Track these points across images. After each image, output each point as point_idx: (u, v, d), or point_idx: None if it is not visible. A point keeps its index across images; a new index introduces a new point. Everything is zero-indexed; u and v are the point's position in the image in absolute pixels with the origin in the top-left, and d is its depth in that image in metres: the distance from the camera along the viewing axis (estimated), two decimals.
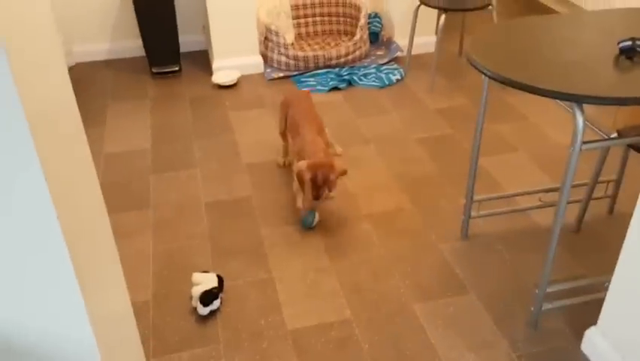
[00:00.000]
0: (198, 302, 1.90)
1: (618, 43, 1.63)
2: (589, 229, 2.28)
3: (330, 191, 2.24)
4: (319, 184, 2.19)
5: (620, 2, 3.44)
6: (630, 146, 1.82)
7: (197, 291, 1.92)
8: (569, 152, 1.55)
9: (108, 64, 3.78)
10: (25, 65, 0.93)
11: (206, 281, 1.95)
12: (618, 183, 2.30)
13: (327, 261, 2.16)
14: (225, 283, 2.03)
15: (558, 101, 1.56)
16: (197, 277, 1.98)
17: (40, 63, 1.07)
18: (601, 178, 2.19)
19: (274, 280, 2.08)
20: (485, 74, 1.63)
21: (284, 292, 2.03)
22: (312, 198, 2.21)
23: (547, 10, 4.43)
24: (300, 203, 2.34)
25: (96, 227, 1.37)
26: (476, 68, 1.67)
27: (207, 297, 1.90)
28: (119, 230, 2.33)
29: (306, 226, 2.33)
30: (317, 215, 2.34)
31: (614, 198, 2.34)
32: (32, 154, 0.90)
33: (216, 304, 1.92)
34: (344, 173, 2.26)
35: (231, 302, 1.98)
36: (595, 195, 2.25)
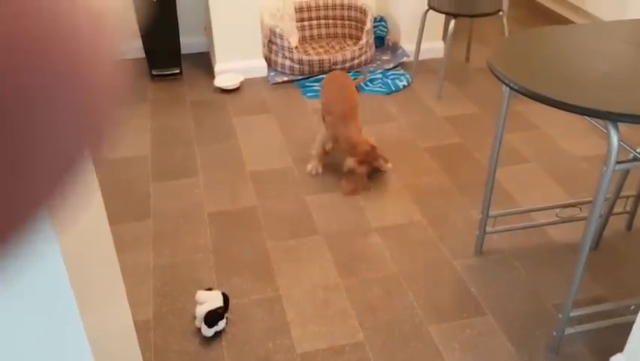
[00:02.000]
0: (203, 323, 1.80)
1: None
2: (608, 246, 2.20)
3: (380, 170, 2.59)
4: (369, 173, 2.50)
5: (633, 10, 3.36)
6: None
7: (201, 311, 1.82)
8: (602, 172, 1.46)
9: None
10: None
11: (210, 300, 1.85)
12: (638, 198, 2.22)
13: (336, 277, 2.07)
14: (231, 302, 1.93)
15: (587, 117, 1.48)
16: (201, 295, 1.88)
17: None
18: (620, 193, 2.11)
19: (282, 298, 1.98)
20: (512, 88, 1.54)
21: (292, 311, 1.93)
22: (364, 188, 2.49)
23: (558, 18, 4.35)
24: (308, 168, 2.62)
25: (96, 239, 1.27)
26: (501, 81, 1.58)
27: (212, 317, 1.80)
28: (116, 242, 2.21)
29: None
30: None
31: (632, 214, 2.26)
32: None
33: (221, 325, 1.83)
34: (379, 156, 2.51)
35: (237, 323, 1.88)
36: (614, 210, 2.17)
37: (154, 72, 3.47)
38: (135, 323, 1.86)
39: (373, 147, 2.45)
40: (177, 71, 3.50)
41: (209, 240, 2.25)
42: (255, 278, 2.06)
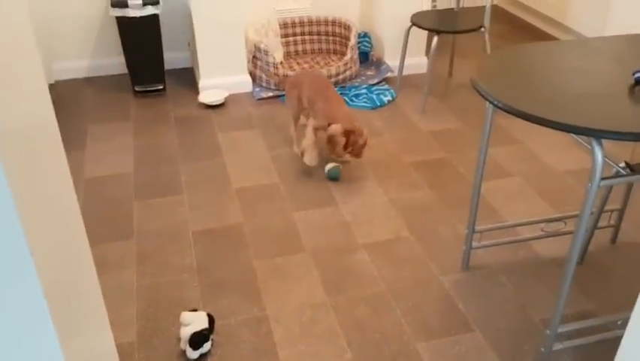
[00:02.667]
0: (187, 345, 1.77)
1: (634, 73, 1.57)
2: (593, 260, 2.21)
3: (356, 156, 2.64)
4: (349, 148, 2.58)
5: (612, 25, 3.42)
6: None
7: (186, 332, 1.79)
8: (587, 188, 1.47)
9: (89, 82, 3.63)
10: None
11: (195, 321, 1.82)
12: (622, 212, 2.24)
13: (324, 295, 2.05)
14: (216, 323, 1.89)
15: (573, 134, 1.49)
16: (186, 316, 1.84)
17: (17, 80, 0.95)
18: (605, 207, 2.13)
19: (268, 318, 1.95)
20: (496, 106, 1.54)
21: (279, 331, 1.90)
22: (340, 156, 2.60)
23: (540, 33, 4.42)
24: (308, 159, 2.65)
25: (77, 261, 1.24)
26: (485, 99, 1.59)
27: (197, 339, 1.77)
28: (99, 263, 2.18)
29: (331, 178, 2.65)
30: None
31: (617, 227, 2.28)
32: (2, 182, 0.77)
33: (207, 347, 1.79)
34: (366, 144, 2.62)
35: (223, 344, 1.85)
36: (598, 224, 2.18)
37: (137, 88, 3.44)
38: (118, 345, 1.82)
39: (361, 128, 2.61)
40: (161, 87, 3.47)
41: (194, 259, 2.22)
42: (241, 298, 2.03)
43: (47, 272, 0.92)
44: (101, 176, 2.72)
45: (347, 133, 2.55)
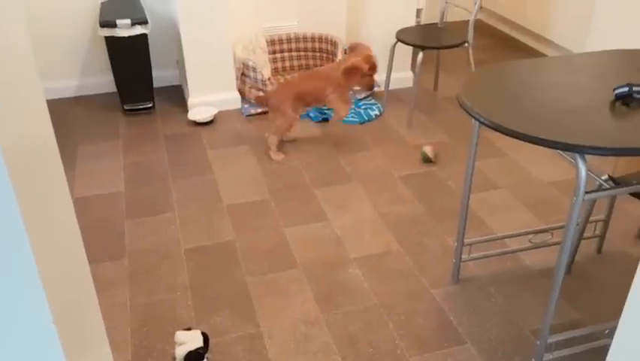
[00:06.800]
0: None
1: (614, 89, 1.62)
2: (580, 270, 2.25)
3: (369, 88, 3.12)
4: (371, 71, 2.97)
5: (594, 39, 3.51)
6: (632, 194, 1.80)
7: (181, 352, 1.80)
8: (572, 202, 1.51)
9: (78, 101, 3.63)
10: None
11: (190, 340, 1.83)
12: (607, 222, 2.29)
13: (317, 311, 2.07)
14: (211, 341, 1.90)
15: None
16: (180, 336, 1.85)
17: (19, 100, 0.97)
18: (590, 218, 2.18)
19: (263, 335, 1.96)
20: (483, 123, 1.59)
21: (274, 348, 1.91)
22: (369, 87, 3.08)
23: (523, 47, 4.51)
24: (342, 112, 3.03)
25: (80, 281, 1.25)
26: (471, 116, 1.63)
27: (192, 358, 1.77)
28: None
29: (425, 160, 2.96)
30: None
31: (602, 237, 2.33)
32: (12, 201, 0.79)
33: None
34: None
35: None
36: (584, 234, 2.23)
37: (126, 107, 3.46)
38: None
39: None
40: (150, 105, 3.49)
41: (186, 277, 2.23)
42: (235, 315, 2.05)
43: (55, 294, 0.93)
44: (91, 195, 2.72)
45: (366, 59, 2.95)
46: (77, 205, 2.64)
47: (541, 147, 1.46)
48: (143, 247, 2.38)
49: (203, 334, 1.87)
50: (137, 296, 2.13)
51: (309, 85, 3.01)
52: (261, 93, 3.39)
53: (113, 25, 3.16)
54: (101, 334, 1.45)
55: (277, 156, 3.00)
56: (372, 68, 2.99)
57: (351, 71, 2.94)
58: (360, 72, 2.95)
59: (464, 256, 2.23)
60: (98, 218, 2.56)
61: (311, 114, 3.39)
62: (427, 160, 2.97)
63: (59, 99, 3.61)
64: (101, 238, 2.44)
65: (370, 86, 3.08)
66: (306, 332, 1.97)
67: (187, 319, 2.03)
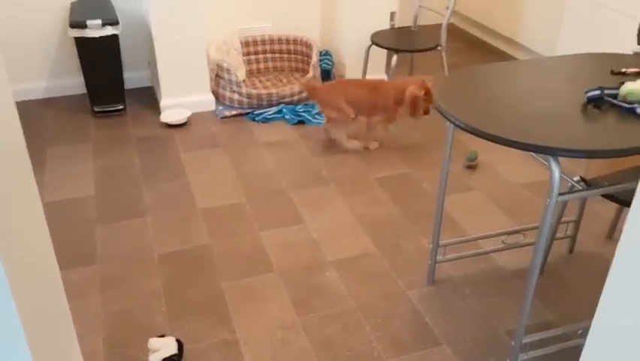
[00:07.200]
0: None
1: (586, 92, 1.65)
2: (552, 271, 2.29)
3: (427, 112, 3.05)
4: (427, 98, 2.95)
5: (563, 42, 3.58)
6: (604, 195, 1.83)
7: (155, 359, 1.76)
8: (546, 203, 1.53)
9: (47, 103, 3.55)
10: None
11: (164, 347, 1.79)
12: (578, 223, 2.33)
13: (294, 315, 2.05)
14: (185, 348, 1.87)
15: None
16: (154, 342, 1.82)
17: None
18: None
19: (239, 341, 1.94)
20: (458, 126, 1.60)
21: (250, 354, 1.89)
22: (423, 114, 3.01)
23: (493, 50, 4.57)
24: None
25: (48, 287, 1.22)
26: (448, 120, 1.64)
27: None
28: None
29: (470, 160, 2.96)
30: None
31: (574, 238, 2.37)
32: None
33: None
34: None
35: None
36: (556, 235, 2.27)
37: (96, 109, 3.39)
38: None
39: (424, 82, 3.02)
40: (121, 107, 3.42)
41: (160, 283, 2.19)
42: (210, 321, 2.02)
43: (24, 301, 0.90)
44: (61, 200, 2.66)
45: (421, 86, 2.95)
46: (47, 210, 2.57)
47: (512, 150, 1.48)
48: (115, 253, 2.33)
49: (178, 341, 1.84)
50: (109, 303, 2.09)
51: (363, 94, 2.99)
52: (310, 81, 3.40)
53: (83, 26, 3.09)
54: (73, 342, 1.41)
55: (351, 144, 3.07)
56: (428, 93, 2.97)
57: (412, 103, 2.94)
58: (419, 101, 2.94)
59: (439, 257, 2.24)
60: (69, 223, 2.50)
61: (286, 116, 3.37)
62: (471, 160, 2.96)
63: (28, 101, 3.52)
64: (72, 244, 2.38)
65: (427, 111, 3.03)
66: (283, 337, 1.96)
67: (161, 325, 1.99)
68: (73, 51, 3.29)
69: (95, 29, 3.11)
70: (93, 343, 1.92)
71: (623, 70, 1.83)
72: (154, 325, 1.99)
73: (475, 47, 4.61)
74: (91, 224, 2.50)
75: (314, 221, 2.54)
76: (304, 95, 3.52)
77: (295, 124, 3.36)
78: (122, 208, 2.61)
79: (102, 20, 3.11)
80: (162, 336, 1.86)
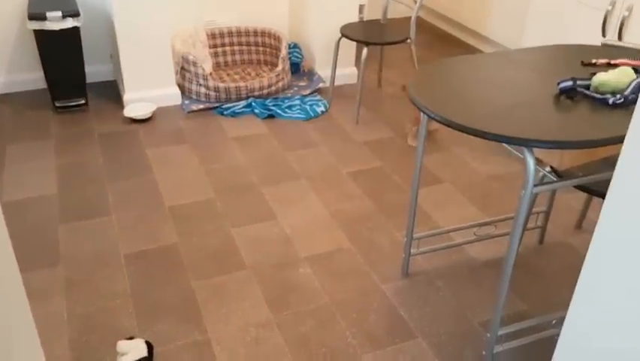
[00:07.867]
0: None
1: (558, 83, 1.65)
2: (523, 261, 2.31)
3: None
4: None
5: (528, 35, 3.62)
6: (576, 186, 1.85)
7: None
8: (521, 195, 1.53)
9: (5, 98, 3.39)
10: None
11: (133, 350, 1.73)
12: (547, 214, 2.36)
13: (268, 313, 2.01)
14: (155, 350, 1.81)
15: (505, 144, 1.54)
16: (122, 345, 1.75)
17: None
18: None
19: (210, 341, 1.89)
20: (433, 118, 1.58)
21: (223, 354, 1.84)
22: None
23: (460, 43, 4.60)
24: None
25: (7, 290, 1.14)
26: (422, 112, 1.62)
27: None
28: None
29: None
30: None
31: (544, 228, 2.39)
32: None
33: None
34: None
35: None
36: (526, 226, 2.29)
37: (57, 104, 3.26)
38: None
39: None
40: (82, 101, 3.30)
41: (127, 284, 2.11)
42: (181, 322, 1.96)
43: None
44: (21, 199, 2.54)
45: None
46: (6, 210, 2.46)
47: (480, 142, 1.47)
48: (79, 253, 2.24)
49: (147, 343, 1.78)
50: (74, 305, 2.00)
51: None
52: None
53: (43, 18, 2.96)
54: (36, 347, 1.34)
55: (412, 142, 3.15)
56: None
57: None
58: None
59: (413, 250, 2.23)
60: (30, 223, 2.39)
61: (256, 110, 3.32)
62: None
63: None
64: (34, 245, 2.27)
65: None
66: (257, 336, 1.91)
67: (129, 327, 1.92)
68: (33, 44, 3.16)
69: (54, 21, 2.98)
70: (58, 348, 1.84)
71: (594, 61, 1.85)
72: (122, 327, 1.92)
73: (442, 41, 4.63)
74: (53, 224, 2.40)
75: (286, 217, 2.50)
76: (273, 88, 3.46)
77: (265, 118, 3.30)
78: (85, 207, 2.51)
79: (62, 12, 2.98)
80: (131, 338, 1.80)
